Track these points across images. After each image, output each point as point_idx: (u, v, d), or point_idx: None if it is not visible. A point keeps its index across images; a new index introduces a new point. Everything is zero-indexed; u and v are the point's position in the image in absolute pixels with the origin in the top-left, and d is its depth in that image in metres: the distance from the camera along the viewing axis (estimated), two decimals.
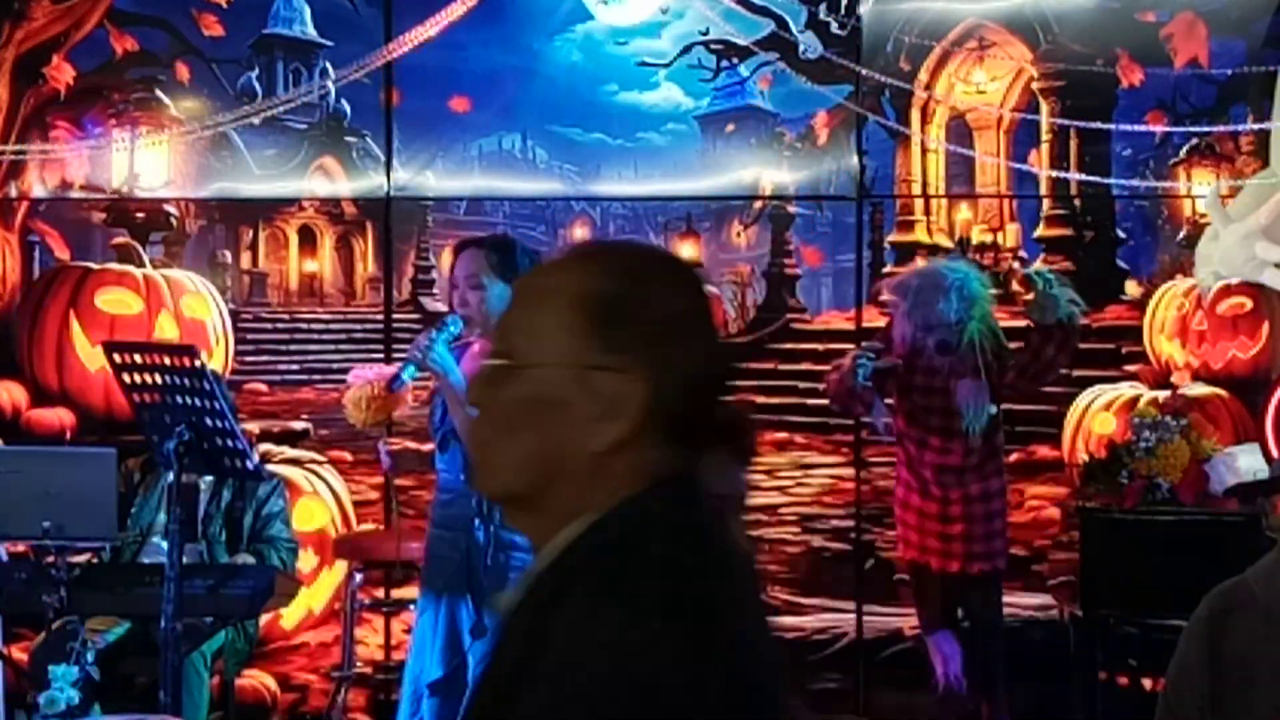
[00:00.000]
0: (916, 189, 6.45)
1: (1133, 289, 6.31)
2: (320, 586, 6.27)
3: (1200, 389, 6.17)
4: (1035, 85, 6.39)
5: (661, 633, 1.31)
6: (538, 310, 1.45)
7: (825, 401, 5.53)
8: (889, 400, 5.33)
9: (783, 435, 6.33)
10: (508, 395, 1.44)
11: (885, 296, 5.36)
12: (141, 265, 6.45)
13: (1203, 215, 6.24)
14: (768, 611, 1.54)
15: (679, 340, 1.44)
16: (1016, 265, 6.24)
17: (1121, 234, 6.36)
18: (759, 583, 1.46)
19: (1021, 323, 5.37)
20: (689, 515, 1.44)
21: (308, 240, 6.62)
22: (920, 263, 6.11)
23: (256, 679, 6.16)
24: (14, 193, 6.51)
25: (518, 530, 1.51)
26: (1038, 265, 5.92)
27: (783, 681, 1.47)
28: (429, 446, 4.57)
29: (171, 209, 6.54)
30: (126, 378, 4.21)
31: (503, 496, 1.50)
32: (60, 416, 6.40)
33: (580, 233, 6.58)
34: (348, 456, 6.36)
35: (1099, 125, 6.28)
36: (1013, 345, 5.23)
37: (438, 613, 4.27)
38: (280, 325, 6.57)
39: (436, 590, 4.31)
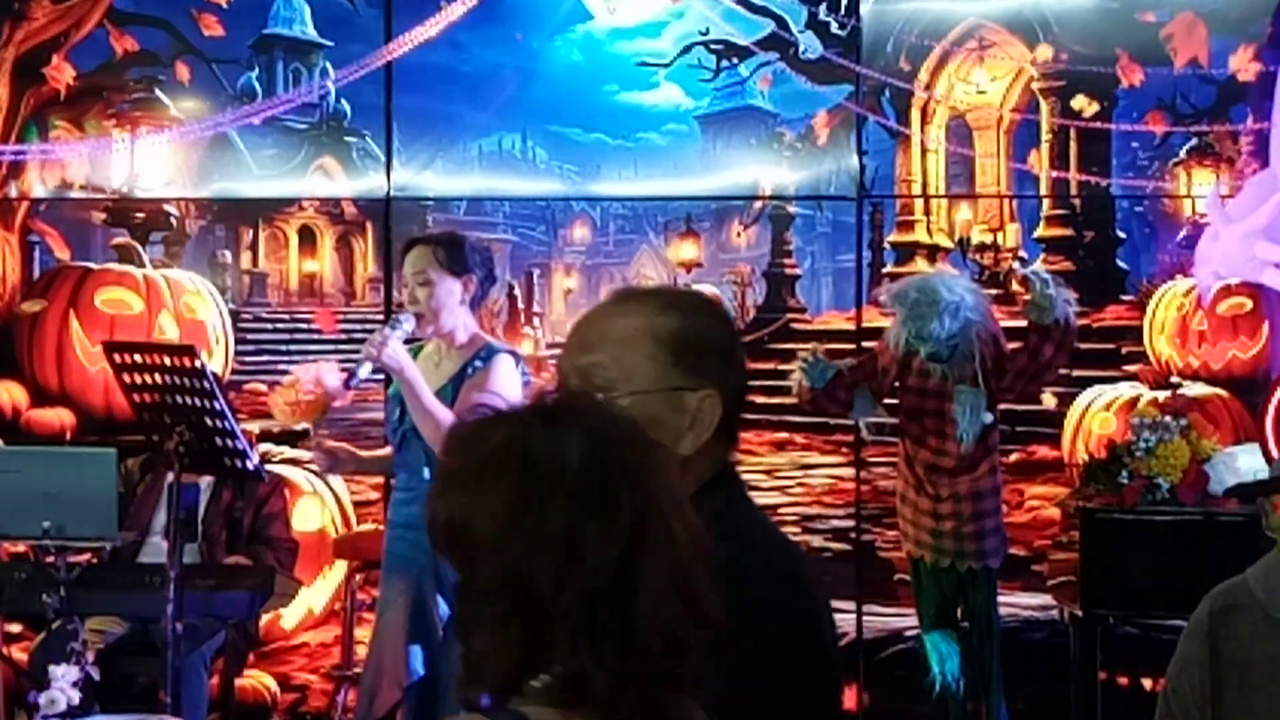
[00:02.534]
0: (916, 189, 6.45)
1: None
2: (320, 586, 6.27)
3: (1200, 389, 6.17)
4: (1035, 85, 6.39)
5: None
6: (624, 348, 1.79)
7: None
8: (892, 401, 5.33)
9: (783, 435, 6.33)
10: None
11: (883, 298, 5.36)
12: (141, 265, 6.45)
13: (1203, 215, 6.24)
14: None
15: (728, 362, 1.84)
16: (1016, 265, 6.23)
17: (1121, 234, 6.36)
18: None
19: (1021, 323, 5.37)
20: (744, 492, 1.88)
21: (308, 240, 6.62)
22: (923, 268, 6.12)
23: (256, 679, 6.16)
24: (14, 193, 6.51)
25: None
26: (1036, 265, 5.91)
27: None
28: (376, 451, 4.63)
29: (171, 209, 6.54)
30: (126, 378, 4.21)
31: None
32: (60, 416, 6.40)
33: (580, 233, 6.58)
34: None
35: (1099, 125, 6.28)
36: (1011, 346, 5.23)
37: (407, 612, 4.26)
38: (280, 325, 6.57)
39: (400, 590, 4.30)
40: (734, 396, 1.83)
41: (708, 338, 1.82)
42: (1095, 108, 6.30)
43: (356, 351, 4.32)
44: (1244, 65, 6.23)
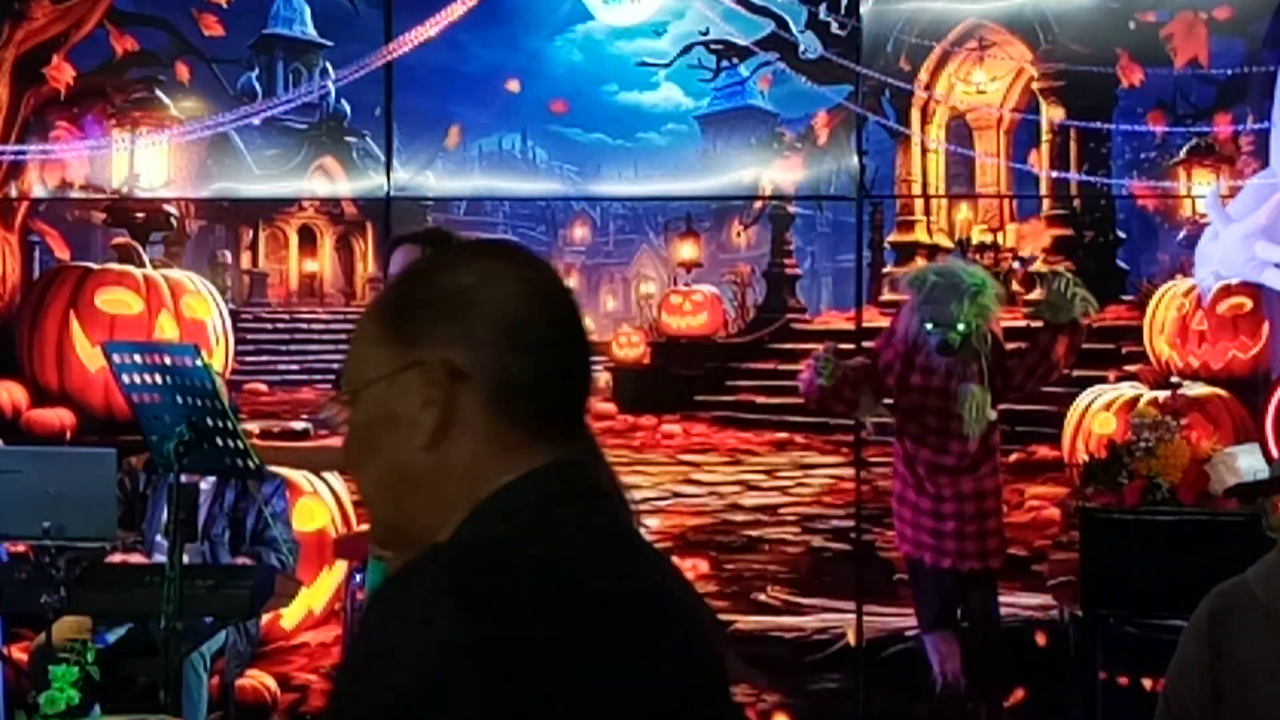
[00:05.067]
0: (916, 189, 6.45)
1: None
2: (320, 586, 6.26)
3: (1200, 389, 6.17)
4: (1035, 85, 6.39)
5: (436, 615, 1.22)
6: (355, 339, 1.41)
7: None
8: (889, 400, 5.33)
9: (783, 435, 6.33)
10: (351, 426, 1.40)
11: (900, 287, 5.35)
12: (141, 265, 6.45)
13: (1203, 215, 6.24)
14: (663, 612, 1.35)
15: (474, 315, 1.34)
16: (1016, 265, 6.24)
17: (1121, 234, 6.36)
18: (663, 578, 1.40)
19: (1021, 323, 5.37)
20: (544, 505, 1.33)
21: (308, 240, 6.62)
22: (939, 260, 6.11)
23: (256, 679, 6.16)
24: (14, 193, 6.51)
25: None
26: (1059, 266, 5.89)
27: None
28: None
29: (171, 209, 6.54)
30: (126, 378, 4.20)
31: (384, 537, 1.43)
32: (60, 416, 6.40)
33: (580, 233, 6.58)
34: None
35: (1099, 125, 6.28)
36: (1011, 346, 5.22)
37: None
38: (280, 325, 6.57)
39: None
40: (520, 369, 1.33)
41: (434, 289, 1.36)
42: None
43: None
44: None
